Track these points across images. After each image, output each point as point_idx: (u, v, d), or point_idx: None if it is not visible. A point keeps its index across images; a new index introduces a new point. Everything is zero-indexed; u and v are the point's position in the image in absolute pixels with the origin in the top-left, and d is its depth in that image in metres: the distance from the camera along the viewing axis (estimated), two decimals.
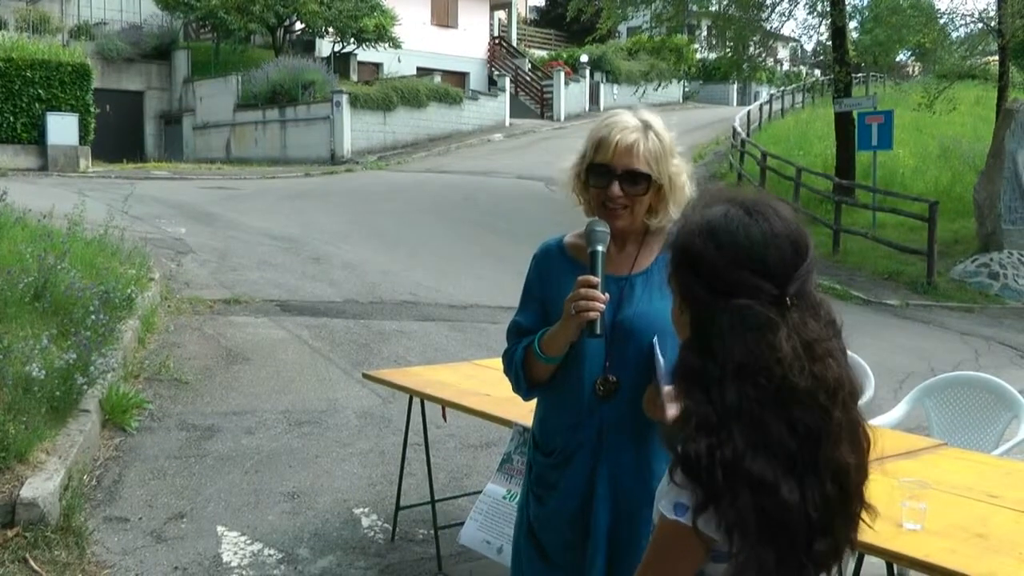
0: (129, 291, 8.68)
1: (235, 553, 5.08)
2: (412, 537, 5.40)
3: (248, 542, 5.21)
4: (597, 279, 2.52)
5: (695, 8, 25.11)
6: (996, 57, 23.19)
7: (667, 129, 2.69)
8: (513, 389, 2.83)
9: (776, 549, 1.64)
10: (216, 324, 9.65)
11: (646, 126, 2.63)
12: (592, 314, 2.48)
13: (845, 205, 18.33)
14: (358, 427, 7.16)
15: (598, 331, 2.51)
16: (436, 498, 5.21)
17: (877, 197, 18.64)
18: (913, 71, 42.22)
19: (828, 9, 21.95)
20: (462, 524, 5.31)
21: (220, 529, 5.36)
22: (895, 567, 3.31)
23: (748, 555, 1.64)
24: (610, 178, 2.60)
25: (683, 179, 2.66)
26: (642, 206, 2.64)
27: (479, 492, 5.79)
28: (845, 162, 21.24)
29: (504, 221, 18.05)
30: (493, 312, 11.08)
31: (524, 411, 4.10)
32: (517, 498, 3.86)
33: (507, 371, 2.81)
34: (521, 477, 3.94)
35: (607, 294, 2.53)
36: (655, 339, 2.53)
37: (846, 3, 22.81)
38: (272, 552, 5.11)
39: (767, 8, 23.70)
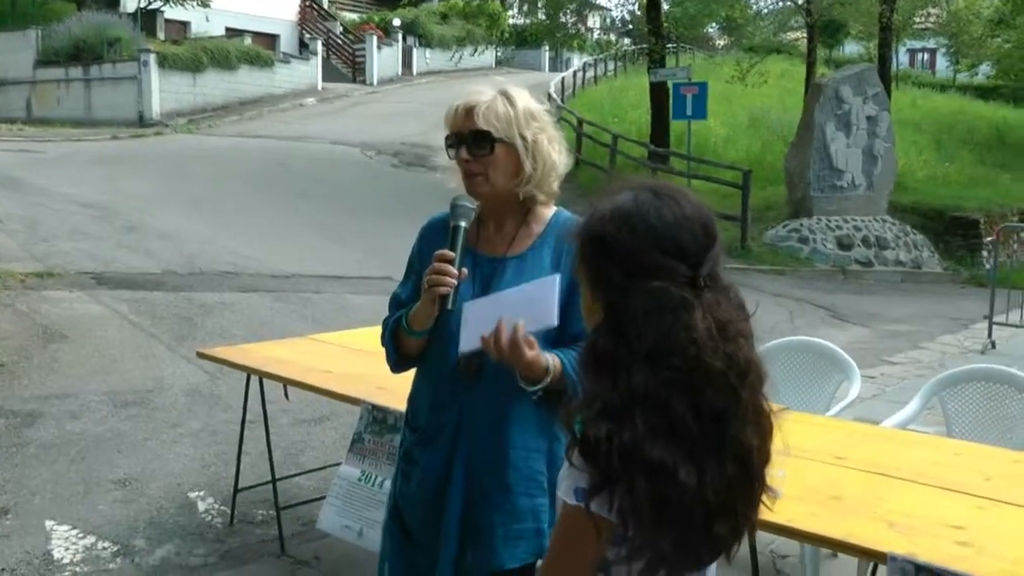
0: None
1: (67, 549, 4.80)
2: (251, 519, 5.24)
3: (80, 536, 4.93)
4: (453, 254, 2.50)
5: None
6: (803, 34, 24.09)
7: (534, 101, 2.64)
8: (386, 360, 2.78)
9: (673, 534, 1.63)
10: (29, 299, 9.14)
11: (500, 93, 2.59)
12: (443, 289, 2.48)
13: (660, 172, 18.76)
14: (187, 406, 6.92)
15: (450, 306, 2.50)
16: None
17: (691, 165, 19.16)
18: (721, 44, 43.38)
19: None
20: (304, 504, 5.21)
21: (49, 524, 5.05)
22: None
23: (643, 540, 1.62)
24: (458, 143, 2.57)
25: (544, 142, 2.60)
26: (497, 170, 2.57)
27: (318, 469, 5.71)
28: (660, 130, 21.75)
29: (320, 187, 17.71)
30: (316, 281, 10.92)
31: (370, 388, 4.03)
32: (372, 479, 3.78)
33: (382, 341, 2.77)
34: (374, 457, 3.87)
35: (464, 270, 2.51)
36: (466, 305, 2.47)
37: None
38: (106, 544, 4.85)
39: None
